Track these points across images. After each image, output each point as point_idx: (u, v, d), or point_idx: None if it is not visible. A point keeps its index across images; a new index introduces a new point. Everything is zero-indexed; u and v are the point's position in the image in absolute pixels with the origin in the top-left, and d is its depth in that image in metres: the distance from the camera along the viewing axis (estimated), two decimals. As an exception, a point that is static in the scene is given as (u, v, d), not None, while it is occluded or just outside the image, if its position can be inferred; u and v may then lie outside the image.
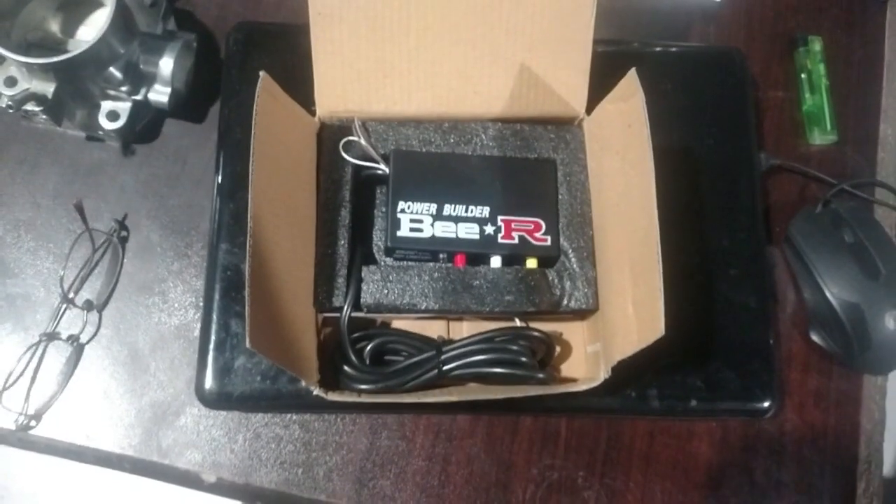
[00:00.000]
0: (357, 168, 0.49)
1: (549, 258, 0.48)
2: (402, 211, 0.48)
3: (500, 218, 0.48)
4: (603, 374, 0.44)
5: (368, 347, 0.47)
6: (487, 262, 0.48)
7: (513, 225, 0.48)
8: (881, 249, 0.53)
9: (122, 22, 0.49)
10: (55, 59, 0.47)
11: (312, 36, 0.46)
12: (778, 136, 0.60)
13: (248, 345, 0.36)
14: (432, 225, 0.48)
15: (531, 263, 0.48)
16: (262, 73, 0.42)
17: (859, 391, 0.56)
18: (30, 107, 0.50)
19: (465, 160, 0.50)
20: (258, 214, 0.40)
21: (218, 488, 0.50)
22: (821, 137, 0.60)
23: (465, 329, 0.50)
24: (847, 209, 0.56)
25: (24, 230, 0.53)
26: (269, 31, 0.56)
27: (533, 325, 0.49)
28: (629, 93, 0.44)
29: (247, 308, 0.37)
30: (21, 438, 0.50)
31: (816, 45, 0.61)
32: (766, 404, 0.52)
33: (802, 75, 0.61)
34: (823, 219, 0.56)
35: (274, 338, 0.41)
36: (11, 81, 0.49)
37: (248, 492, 0.50)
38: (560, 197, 0.50)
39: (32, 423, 0.50)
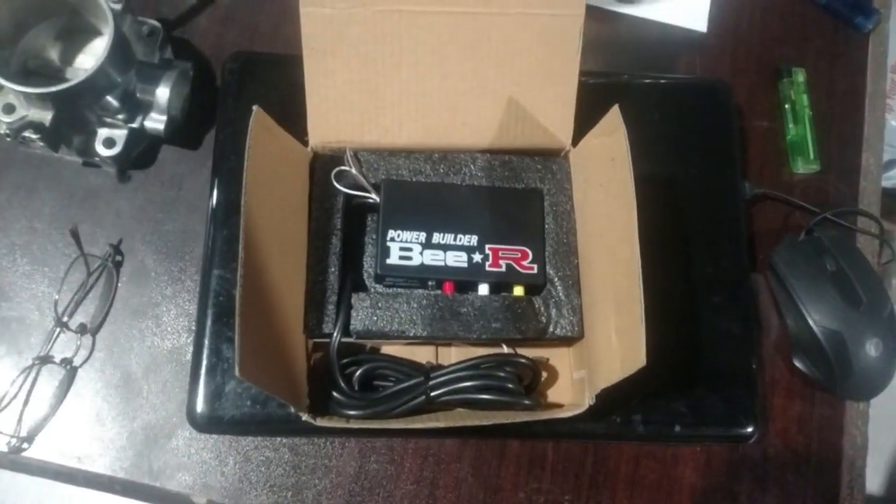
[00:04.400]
0: (348, 197, 0.50)
1: (535, 286, 0.49)
2: (392, 239, 0.49)
3: (487, 246, 0.49)
4: (588, 401, 0.45)
5: (357, 373, 0.47)
6: (475, 290, 0.49)
7: (500, 253, 0.49)
8: (862, 278, 0.54)
9: (120, 51, 0.50)
10: (53, 88, 0.48)
11: (306, 69, 0.48)
12: (762, 166, 0.61)
13: (237, 374, 0.37)
14: (421, 253, 0.49)
15: (518, 291, 0.49)
16: (255, 108, 0.43)
17: (842, 417, 0.56)
18: (27, 134, 0.50)
19: (454, 190, 0.51)
20: (249, 243, 0.41)
21: (208, 511, 0.50)
22: (804, 167, 0.61)
23: (453, 355, 0.50)
24: (829, 238, 0.57)
25: (19, 254, 0.54)
26: (264, 61, 0.57)
27: (520, 351, 0.50)
28: (612, 128, 0.45)
29: (236, 337, 0.38)
30: (13, 460, 0.50)
31: (800, 77, 0.62)
32: (749, 430, 0.52)
33: (786, 106, 0.62)
34: (806, 247, 0.57)
35: (264, 366, 0.41)
36: (9, 109, 0.50)
37: (238, 514, 0.50)
38: (546, 226, 0.51)
39: (25, 445, 0.50)
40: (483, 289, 0.49)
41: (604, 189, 0.47)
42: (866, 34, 0.66)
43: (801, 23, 0.66)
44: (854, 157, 0.63)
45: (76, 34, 0.54)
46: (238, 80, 0.56)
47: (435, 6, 0.47)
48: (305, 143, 0.51)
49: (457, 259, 0.49)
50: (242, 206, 0.41)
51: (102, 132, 0.53)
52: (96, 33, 0.54)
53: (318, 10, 0.46)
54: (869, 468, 0.57)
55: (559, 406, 0.50)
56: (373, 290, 0.50)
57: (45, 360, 0.51)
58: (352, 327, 0.47)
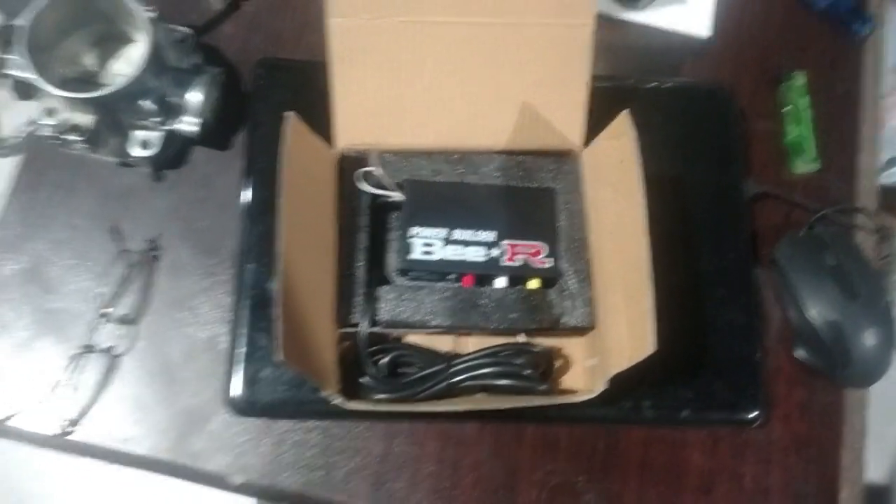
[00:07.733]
0: (374, 196, 0.52)
1: (550, 279, 0.52)
2: (415, 235, 0.51)
3: (505, 242, 0.52)
4: (600, 387, 0.47)
5: (384, 360, 0.50)
6: (493, 283, 0.52)
7: (517, 248, 0.52)
8: (860, 272, 0.56)
9: (156, 58, 0.52)
10: (96, 94, 0.50)
11: (334, 76, 0.50)
12: (764, 165, 0.63)
13: (280, 358, 0.39)
14: (443, 248, 0.51)
15: (533, 284, 0.52)
16: (290, 114, 0.46)
17: (842, 403, 0.58)
18: (69, 136, 0.52)
19: (473, 189, 0.53)
20: (287, 243, 0.43)
21: (244, 489, 0.52)
22: (804, 166, 0.63)
23: (472, 344, 0.52)
24: (829, 234, 0.58)
25: (63, 249, 0.56)
26: (289, 67, 0.59)
27: (535, 340, 0.52)
28: (621, 132, 0.47)
29: (278, 326, 0.40)
30: (62, 443, 0.53)
31: (800, 80, 0.64)
32: (753, 415, 0.55)
33: (787, 108, 0.64)
34: (807, 243, 0.58)
35: (301, 352, 0.44)
36: (52, 112, 0.52)
37: (272, 493, 0.52)
38: (560, 223, 0.53)
39: (73, 428, 0.53)
40: (500, 282, 0.51)
41: (613, 188, 0.50)
42: (863, 39, 0.68)
43: (801, 29, 0.67)
44: (852, 157, 0.64)
45: (110, 42, 0.57)
46: (266, 84, 0.58)
47: (455, 17, 0.49)
48: (331, 146, 0.53)
49: (476, 254, 0.51)
50: (281, 207, 0.43)
51: (138, 134, 0.55)
52: (128, 41, 0.57)
53: (346, 21, 0.48)
54: (868, 457, 0.59)
55: (572, 392, 0.52)
56: (397, 283, 0.52)
57: (90, 348, 0.53)
58: (378, 318, 0.50)
